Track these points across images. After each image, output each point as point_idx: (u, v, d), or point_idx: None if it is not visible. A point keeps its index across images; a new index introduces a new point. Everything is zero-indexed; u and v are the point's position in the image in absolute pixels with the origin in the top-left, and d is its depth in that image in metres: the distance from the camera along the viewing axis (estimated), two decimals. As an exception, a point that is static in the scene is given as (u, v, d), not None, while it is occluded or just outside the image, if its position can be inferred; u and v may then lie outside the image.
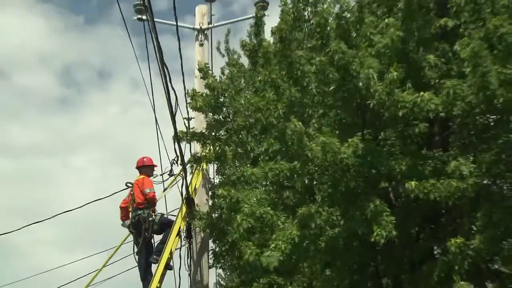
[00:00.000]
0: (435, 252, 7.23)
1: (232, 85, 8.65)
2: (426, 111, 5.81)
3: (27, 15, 65.90)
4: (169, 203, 9.82)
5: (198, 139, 8.51)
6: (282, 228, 6.39)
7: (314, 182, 6.68)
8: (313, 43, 7.80)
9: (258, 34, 8.94)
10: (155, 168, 9.47)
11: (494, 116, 6.55)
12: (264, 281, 7.32)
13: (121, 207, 9.29)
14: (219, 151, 7.86)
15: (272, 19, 8.43)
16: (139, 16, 9.39)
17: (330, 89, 6.46)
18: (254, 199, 6.67)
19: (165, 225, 8.78)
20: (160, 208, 9.16)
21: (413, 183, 5.68)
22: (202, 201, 9.06)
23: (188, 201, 8.50)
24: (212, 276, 11.43)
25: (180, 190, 8.54)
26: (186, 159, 8.24)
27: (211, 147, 8.23)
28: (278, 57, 7.16)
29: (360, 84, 5.75)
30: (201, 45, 9.79)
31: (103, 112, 63.97)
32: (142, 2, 6.88)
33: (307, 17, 8.22)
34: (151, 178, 9.29)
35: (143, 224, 8.70)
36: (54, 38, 69.12)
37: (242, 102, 7.82)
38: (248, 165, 7.85)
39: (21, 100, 61.08)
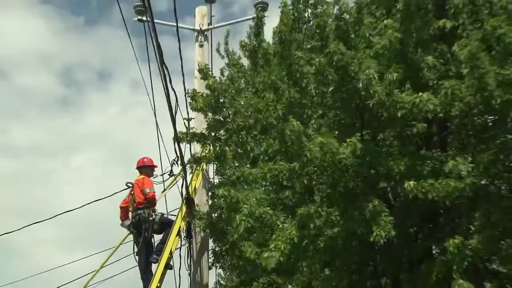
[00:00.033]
0: (434, 252, 7.26)
1: (232, 85, 8.69)
2: (425, 111, 5.85)
3: (28, 16, 65.96)
4: (169, 203, 9.87)
5: (198, 139, 8.55)
6: (281, 228, 6.42)
7: (313, 183, 6.71)
8: (312, 44, 7.85)
9: (258, 35, 8.97)
10: (155, 169, 9.52)
11: (492, 117, 6.57)
12: (263, 281, 7.35)
13: (121, 207, 9.33)
14: (219, 151, 7.89)
15: (271, 20, 8.46)
16: (139, 17, 9.42)
17: (329, 90, 6.50)
18: (254, 199, 6.70)
19: (165, 225, 8.81)
20: (160, 208, 9.23)
21: (411, 183, 5.71)
22: (202, 201, 9.10)
23: (188, 201, 8.53)
24: (212, 276, 11.46)
25: (180, 190, 8.58)
26: (186, 159, 8.28)
27: (211, 147, 8.27)
28: (277, 58, 7.21)
29: (360, 84, 5.77)
30: (201, 46, 9.83)
31: (104, 112, 64.01)
32: (142, 3, 6.90)
33: (307, 18, 8.24)
34: (151, 178, 9.34)
35: (143, 223, 8.75)
36: (55, 39, 69.21)
37: (242, 102, 7.85)
38: (248, 165, 7.89)
39: (22, 100, 61.14)
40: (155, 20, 5.37)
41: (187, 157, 8.36)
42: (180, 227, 8.57)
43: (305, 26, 8.22)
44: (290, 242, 6.17)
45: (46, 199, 46.28)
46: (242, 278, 8.94)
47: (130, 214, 9.19)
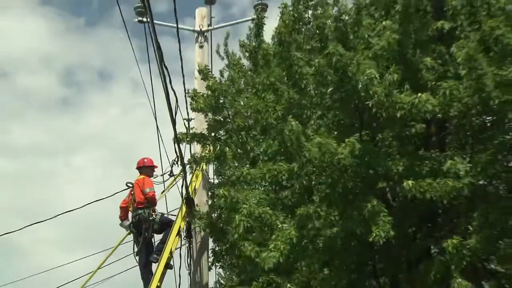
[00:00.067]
0: (432, 252, 7.29)
1: (232, 86, 8.72)
2: (424, 112, 5.86)
3: (29, 17, 65.86)
4: (169, 203, 9.91)
5: (198, 139, 8.58)
6: (281, 228, 6.45)
7: (313, 183, 6.74)
8: (312, 45, 7.88)
9: (259, 35, 9.00)
10: (155, 169, 9.56)
11: (490, 117, 6.61)
12: (262, 280, 7.37)
13: (121, 207, 9.37)
14: (219, 151, 7.93)
15: (271, 21, 8.49)
16: (140, 18, 9.47)
17: (328, 90, 6.53)
18: (254, 199, 6.73)
19: (165, 225, 8.85)
20: (160, 208, 9.27)
21: (410, 182, 5.73)
22: (202, 201, 9.13)
23: (188, 201, 8.56)
24: (212, 275, 11.48)
25: (180, 191, 8.62)
26: (186, 160, 8.32)
27: (211, 147, 8.31)
28: (277, 59, 7.24)
29: (360, 85, 5.80)
30: (201, 47, 9.87)
31: (104, 113, 63.95)
32: (142, 4, 6.94)
33: (307, 19, 8.27)
34: (151, 178, 9.38)
35: (143, 223, 8.79)
36: (55, 40, 69.11)
37: (242, 103, 7.88)
38: (248, 165, 7.92)
39: (22, 101, 61.10)
40: (155, 21, 5.41)
41: (187, 157, 8.41)
42: (180, 227, 8.60)
43: (305, 27, 8.24)
44: (290, 242, 6.21)
45: (46, 199, 46.28)
46: (242, 277, 8.97)
47: (129, 214, 9.23)
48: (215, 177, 10.52)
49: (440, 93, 5.91)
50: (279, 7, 7.60)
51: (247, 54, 9.50)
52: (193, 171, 8.70)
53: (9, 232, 9.73)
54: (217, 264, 9.96)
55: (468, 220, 6.42)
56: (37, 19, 68.40)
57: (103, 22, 74.34)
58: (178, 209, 8.82)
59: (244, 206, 6.49)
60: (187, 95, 8.04)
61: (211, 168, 9.93)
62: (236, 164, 8.56)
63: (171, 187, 9.68)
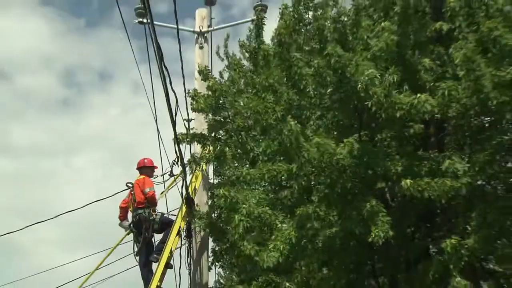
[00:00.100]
0: (431, 252, 7.32)
1: (232, 86, 8.76)
2: (422, 112, 5.88)
3: (29, 17, 65.94)
4: (169, 203, 9.95)
5: (199, 139, 8.62)
6: (280, 228, 6.49)
7: (312, 183, 6.78)
8: (312, 46, 7.92)
9: (259, 36, 9.04)
10: (155, 169, 9.60)
11: (488, 118, 6.65)
12: (262, 280, 7.41)
13: (120, 207, 9.41)
14: (219, 151, 7.97)
15: (271, 22, 8.53)
16: (140, 19, 9.51)
17: (328, 91, 6.56)
18: (253, 200, 6.77)
19: (165, 225, 8.89)
20: (160, 208, 9.31)
21: (408, 181, 5.75)
22: (202, 201, 9.17)
23: (188, 201, 8.60)
24: (212, 275, 11.52)
25: (180, 191, 8.66)
26: (186, 160, 8.36)
27: (211, 147, 8.34)
28: (277, 60, 7.27)
29: (359, 85, 5.83)
30: (201, 48, 9.91)
31: (104, 113, 64.02)
32: (142, 5, 6.97)
33: (307, 20, 8.31)
34: (151, 178, 9.43)
35: (143, 223, 8.83)
36: (56, 41, 69.15)
37: (242, 103, 7.92)
38: (247, 165, 7.96)
39: (23, 101, 61.15)
40: (155, 22, 5.45)
41: (187, 157, 8.45)
42: (180, 226, 8.63)
43: (306, 28, 8.28)
44: (289, 242, 6.24)
45: (46, 199, 46.34)
46: (242, 277, 9.00)
47: (129, 214, 9.27)
48: (214, 177, 10.56)
49: (439, 94, 5.94)
50: (280, 8, 7.65)
51: (247, 55, 9.55)
52: (193, 171, 8.73)
53: (10, 232, 9.77)
54: (217, 263, 10.00)
55: (466, 220, 6.45)
56: (38, 19, 68.51)
57: (103, 23, 74.45)
58: (178, 209, 8.86)
59: (244, 206, 6.53)
60: (187, 95, 8.09)
61: (210, 168, 9.98)
62: (236, 164, 8.60)
63: (171, 187, 9.73)
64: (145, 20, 8.79)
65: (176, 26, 5.94)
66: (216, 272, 12.30)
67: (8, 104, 56.27)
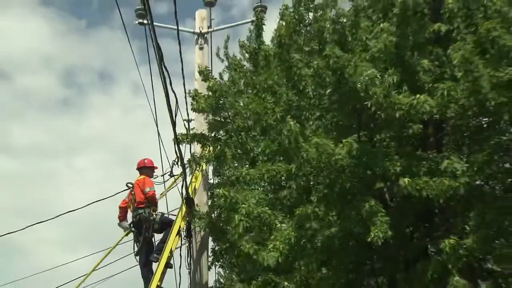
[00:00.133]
0: (429, 251, 7.35)
1: (233, 86, 8.80)
2: (421, 113, 5.91)
3: (29, 17, 65.92)
4: (169, 203, 9.98)
5: (199, 139, 8.66)
6: (279, 228, 6.52)
7: (311, 183, 6.81)
8: (312, 46, 7.95)
9: (259, 36, 9.08)
10: (155, 170, 9.64)
11: (487, 119, 6.68)
12: (261, 280, 7.44)
13: (120, 207, 9.44)
14: (219, 151, 8.00)
15: (270, 23, 8.56)
16: (140, 20, 9.55)
17: (327, 92, 6.60)
18: (253, 200, 6.80)
19: (165, 225, 8.92)
20: (160, 208, 9.35)
21: (406, 179, 5.78)
22: (201, 201, 9.21)
23: (188, 201, 8.63)
24: (212, 274, 11.55)
25: (180, 191, 8.69)
26: (186, 160, 8.39)
27: (211, 148, 8.38)
28: (276, 61, 7.31)
29: (358, 85, 5.85)
30: (201, 48, 9.95)
31: (105, 114, 64.05)
32: (142, 6, 7.01)
33: (307, 21, 8.35)
34: (151, 179, 9.47)
35: (144, 223, 8.86)
36: (56, 41, 69.12)
37: (242, 104, 7.96)
38: (247, 166, 7.99)
39: (23, 101, 61.15)
40: (155, 23, 5.48)
41: (187, 158, 8.48)
42: (180, 226, 8.66)
43: (306, 29, 8.31)
44: (288, 242, 6.28)
45: (47, 200, 46.36)
46: (241, 276, 9.04)
47: (129, 214, 9.31)
48: (214, 177, 10.59)
49: (438, 94, 5.97)
50: (280, 9, 7.68)
51: (247, 56, 9.58)
52: (193, 171, 8.77)
53: (11, 232, 9.81)
54: (216, 263, 10.03)
55: (464, 220, 6.47)
56: (38, 19, 68.50)
57: (104, 24, 74.46)
58: (178, 209, 8.89)
59: (243, 206, 6.56)
60: (188, 95, 8.12)
61: (210, 169, 10.01)
62: (236, 164, 8.63)
63: (172, 188, 9.77)
64: (145, 21, 8.81)
65: (176, 27, 5.97)
66: (216, 271, 12.34)
67: (8, 104, 56.30)
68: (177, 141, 7.82)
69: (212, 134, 8.74)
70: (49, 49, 66.13)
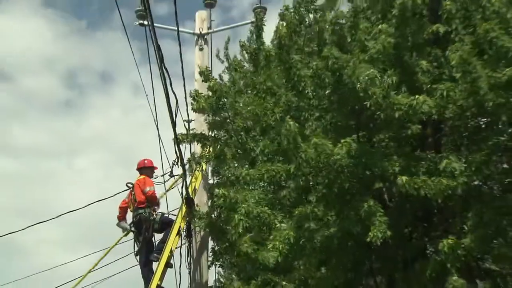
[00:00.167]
0: (428, 251, 7.38)
1: (233, 87, 8.82)
2: (420, 113, 5.94)
3: (31, 18, 65.91)
4: (169, 203, 10.01)
5: (199, 139, 8.69)
6: (279, 228, 6.55)
7: (310, 183, 6.84)
8: (312, 47, 7.98)
9: (259, 36, 9.10)
10: (155, 170, 9.68)
11: (485, 119, 6.72)
12: (260, 279, 7.47)
13: (120, 207, 9.47)
14: (219, 151, 8.03)
15: (270, 24, 8.59)
16: (141, 21, 9.57)
17: (326, 92, 6.63)
18: (252, 200, 6.83)
19: (165, 224, 8.95)
20: (161, 207, 9.38)
21: (404, 178, 5.80)
22: (201, 201, 9.23)
23: (188, 201, 8.66)
24: (212, 274, 11.58)
25: (180, 191, 8.73)
26: (186, 160, 8.42)
27: (211, 148, 8.40)
28: (276, 62, 7.34)
29: (358, 85, 5.88)
30: (201, 49, 9.98)
31: (106, 114, 63.98)
32: (143, 7, 7.05)
33: (307, 22, 8.38)
34: (151, 179, 9.50)
35: (144, 223, 8.89)
36: (57, 42, 69.08)
37: (241, 104, 7.98)
38: (247, 166, 8.02)
39: (25, 102, 61.15)
40: (155, 24, 5.52)
41: (187, 158, 8.51)
42: (180, 226, 8.69)
43: (306, 30, 8.34)
44: (287, 242, 6.31)
45: (47, 200, 46.34)
46: (241, 276, 9.07)
47: (128, 214, 9.34)
48: (213, 177, 10.61)
49: (437, 95, 6.01)
50: (280, 9, 7.71)
51: (247, 56, 9.61)
52: (193, 170, 8.80)
53: (12, 232, 9.83)
54: (216, 263, 10.04)
55: (463, 220, 6.49)
56: (39, 20, 68.47)
57: (105, 25, 74.40)
58: (178, 209, 8.92)
59: (243, 205, 6.59)
60: (188, 95, 8.15)
61: (209, 169, 10.04)
62: (236, 165, 8.66)
63: (172, 188, 9.80)
64: (145, 22, 8.86)
65: (176, 28, 6.01)
66: (216, 271, 12.36)
67: (10, 105, 56.27)
68: (177, 141, 7.85)
69: (212, 134, 8.77)
70: (50, 50, 66.19)
